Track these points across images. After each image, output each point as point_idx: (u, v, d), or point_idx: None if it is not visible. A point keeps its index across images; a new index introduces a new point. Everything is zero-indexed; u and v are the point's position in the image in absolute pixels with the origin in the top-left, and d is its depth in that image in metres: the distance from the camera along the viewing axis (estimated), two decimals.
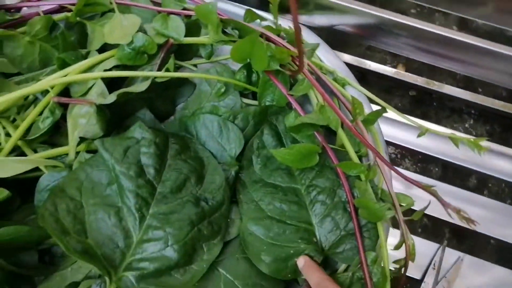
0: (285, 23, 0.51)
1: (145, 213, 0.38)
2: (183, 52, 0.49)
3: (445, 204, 0.33)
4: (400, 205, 0.37)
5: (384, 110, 0.43)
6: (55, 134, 0.43)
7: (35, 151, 0.41)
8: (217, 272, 0.39)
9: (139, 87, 0.40)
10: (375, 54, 0.84)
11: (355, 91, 0.48)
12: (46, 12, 0.45)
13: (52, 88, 0.40)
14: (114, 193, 0.38)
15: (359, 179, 0.40)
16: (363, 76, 0.73)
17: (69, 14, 0.46)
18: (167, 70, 0.43)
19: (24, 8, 0.48)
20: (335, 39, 0.59)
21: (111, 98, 0.38)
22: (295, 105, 0.43)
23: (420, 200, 0.40)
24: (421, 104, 0.77)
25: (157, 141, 0.40)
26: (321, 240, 0.39)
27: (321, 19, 0.57)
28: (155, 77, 0.42)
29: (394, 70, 0.72)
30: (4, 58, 0.43)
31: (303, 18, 0.58)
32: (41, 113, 0.41)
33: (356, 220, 0.38)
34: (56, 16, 0.45)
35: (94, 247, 0.36)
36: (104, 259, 0.36)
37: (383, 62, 0.82)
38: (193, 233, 0.38)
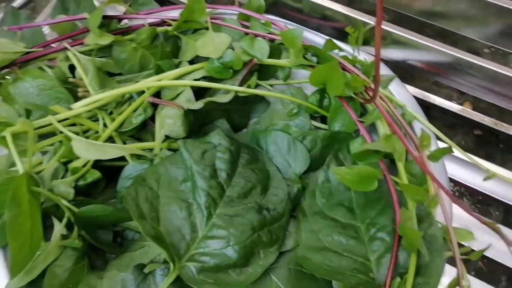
0: (361, 54, 0.54)
1: (213, 212, 0.41)
2: (263, 72, 0.53)
3: (509, 243, 0.33)
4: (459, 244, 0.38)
5: (450, 149, 0.44)
6: (142, 131, 0.49)
7: (124, 143, 0.46)
8: (269, 278, 0.41)
9: (223, 98, 0.44)
10: (441, 90, 0.84)
11: (423, 127, 0.49)
12: (151, 24, 0.51)
13: (147, 89, 0.45)
14: (187, 190, 0.42)
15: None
16: (426, 110, 0.73)
17: (168, 28, 0.52)
18: (249, 86, 0.47)
19: (125, 21, 0.54)
20: (403, 71, 0.60)
21: (199, 105, 0.43)
22: (363, 131, 0.45)
23: (477, 243, 0.39)
24: (486, 144, 0.76)
25: (231, 149, 0.44)
26: (378, 278, 0.40)
27: (394, 53, 0.59)
28: (237, 92, 0.46)
29: (460, 107, 0.72)
30: (110, 60, 0.50)
31: (382, 52, 0.60)
32: (134, 111, 0.46)
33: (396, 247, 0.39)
34: (158, 29, 0.51)
35: (164, 234, 0.40)
36: (171, 247, 0.39)
37: (449, 98, 0.81)
38: (253, 237, 0.41)
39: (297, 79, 0.54)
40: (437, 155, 0.42)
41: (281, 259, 0.42)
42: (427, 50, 0.57)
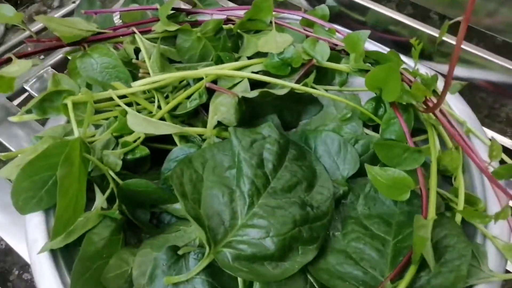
0: (422, 69, 0.52)
1: (255, 201, 0.40)
2: (319, 77, 0.53)
3: None
4: None
5: None
6: (194, 118, 0.49)
7: None
8: (305, 277, 0.39)
9: (279, 91, 0.44)
10: (495, 124, 0.79)
11: (481, 144, 0.46)
12: None
13: (206, 76, 0.45)
14: (231, 177, 0.41)
15: None
16: None
17: (232, 25, 0.53)
18: (305, 84, 0.47)
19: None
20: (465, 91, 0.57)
21: (254, 93, 0.43)
22: (409, 142, 0.43)
23: None
24: None
25: (280, 142, 0.43)
26: None
27: (458, 71, 0.57)
28: (292, 88, 0.45)
29: None
30: (172, 48, 0.51)
31: (442, 67, 0.58)
32: (189, 97, 0.47)
33: None
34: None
35: (204, 217, 0.39)
36: (209, 230, 0.38)
37: (503, 133, 0.77)
38: (294, 232, 0.39)
39: (353, 87, 0.54)
40: (502, 172, 0.39)
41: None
42: (494, 69, 0.55)
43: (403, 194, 0.40)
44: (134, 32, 0.51)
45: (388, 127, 0.47)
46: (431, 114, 0.47)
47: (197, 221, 0.37)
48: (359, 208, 0.43)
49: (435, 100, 0.46)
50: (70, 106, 0.42)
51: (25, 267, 0.57)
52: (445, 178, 0.47)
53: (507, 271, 0.39)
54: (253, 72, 0.47)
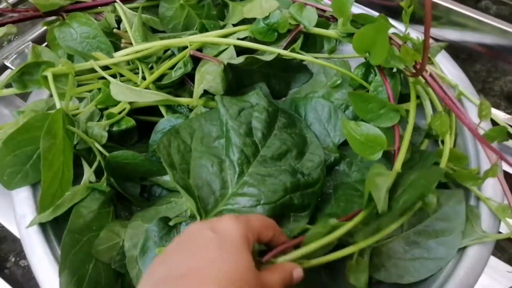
0: (413, 34, 0.51)
1: (245, 170, 0.40)
2: (307, 44, 0.51)
3: None
4: None
5: (505, 130, 0.40)
6: (180, 89, 0.48)
7: None
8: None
9: (266, 57, 0.43)
10: (489, 98, 0.79)
11: (475, 108, 0.46)
12: None
13: (190, 44, 0.44)
14: (220, 147, 0.41)
15: None
16: None
17: None
18: (293, 50, 0.45)
19: None
20: (459, 54, 0.56)
21: (240, 59, 0.42)
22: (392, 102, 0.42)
23: None
24: None
25: (269, 110, 0.42)
26: None
27: (451, 34, 0.56)
28: (279, 54, 0.44)
29: (507, 116, 0.67)
30: (155, 17, 0.50)
31: (433, 31, 0.57)
32: (173, 67, 0.45)
33: None
34: None
35: (193, 187, 0.38)
36: (199, 201, 0.38)
37: (496, 106, 0.77)
38: (285, 199, 0.39)
39: (343, 55, 0.52)
40: (493, 135, 0.39)
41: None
42: (488, 32, 0.54)
43: (375, 153, 0.39)
44: (114, 1, 0.49)
45: (376, 95, 0.46)
46: (421, 78, 0.47)
47: (187, 191, 0.37)
48: (352, 175, 0.42)
49: (431, 67, 0.45)
50: (50, 78, 0.40)
51: (21, 254, 0.56)
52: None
53: (500, 233, 0.40)
54: (238, 39, 0.46)
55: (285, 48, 0.48)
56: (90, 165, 0.41)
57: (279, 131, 0.42)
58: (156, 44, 0.44)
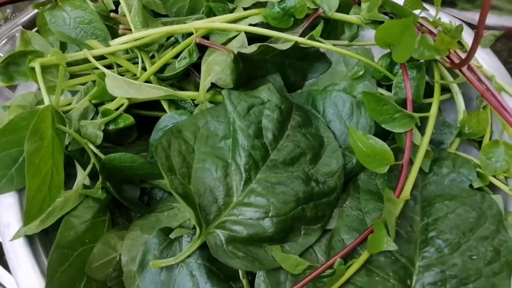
0: (445, 18, 0.45)
1: (252, 176, 0.35)
2: (326, 30, 0.46)
3: None
4: None
5: None
6: (184, 80, 0.43)
7: None
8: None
9: (281, 46, 0.38)
10: None
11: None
12: None
13: (196, 31, 0.39)
14: (226, 148, 0.36)
15: None
16: None
17: None
18: (311, 38, 0.40)
19: None
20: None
21: (252, 48, 0.37)
22: (409, 104, 0.37)
23: None
24: None
25: (282, 108, 0.38)
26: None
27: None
28: (297, 42, 0.39)
29: None
30: (158, 0, 0.45)
31: (467, 15, 0.50)
32: (178, 54, 0.41)
33: None
34: None
35: (194, 194, 0.34)
36: (200, 209, 0.34)
37: None
38: (296, 211, 0.35)
39: (365, 41, 0.47)
40: None
41: (322, 239, 0.36)
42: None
43: (382, 167, 0.35)
44: None
45: (400, 91, 0.41)
46: (444, 75, 0.41)
47: (186, 199, 0.33)
48: (378, 181, 0.38)
49: (461, 55, 0.39)
50: (38, 69, 0.37)
51: None
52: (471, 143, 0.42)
53: None
54: (250, 25, 0.40)
55: (302, 35, 0.43)
56: (84, 168, 0.37)
57: (293, 131, 0.38)
58: (158, 31, 0.39)
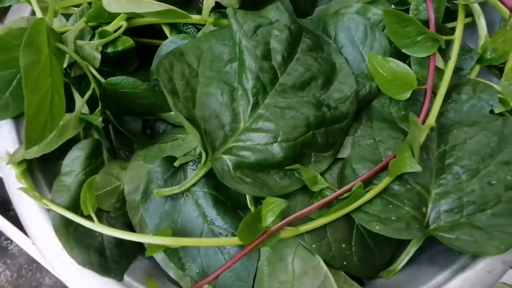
0: None
1: (260, 100, 0.33)
2: None
3: None
4: None
5: None
6: (186, 6, 0.41)
7: None
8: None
9: None
10: None
11: None
12: None
13: None
14: (232, 72, 0.34)
15: None
16: None
17: None
18: None
19: None
20: None
21: None
22: (431, 25, 0.34)
23: None
24: None
25: (291, 28, 0.35)
26: (430, 215, 0.32)
27: None
28: None
29: None
30: None
31: None
32: None
33: None
34: None
35: (199, 118, 0.33)
36: (205, 135, 0.32)
37: None
38: (307, 136, 0.33)
39: None
40: None
41: (333, 168, 0.34)
42: None
43: (404, 93, 0.34)
44: None
45: (418, 13, 0.38)
46: None
47: (191, 122, 0.31)
48: (392, 109, 0.35)
49: None
50: None
51: None
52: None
53: None
54: None
55: None
56: (82, 95, 0.35)
57: (303, 55, 0.35)
58: None
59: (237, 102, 0.33)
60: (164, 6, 0.33)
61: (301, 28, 0.36)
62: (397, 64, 0.34)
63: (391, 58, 0.34)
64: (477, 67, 0.38)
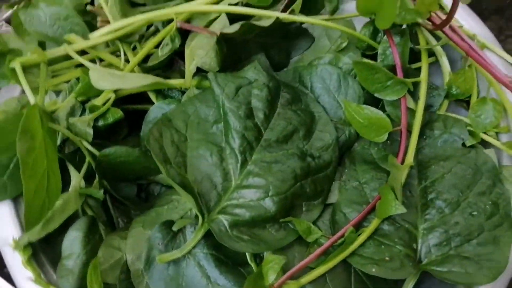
0: None
1: (248, 157, 0.35)
2: (307, 6, 0.45)
3: None
4: None
5: None
6: (168, 70, 0.43)
7: None
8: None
9: (263, 22, 0.37)
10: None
11: (496, 57, 0.40)
12: None
13: (176, 16, 0.38)
14: (219, 132, 0.36)
15: None
16: None
17: None
18: (292, 13, 0.40)
19: None
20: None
21: (235, 27, 0.36)
22: (398, 70, 0.37)
23: None
24: None
25: (270, 86, 0.37)
26: (421, 251, 0.33)
27: None
28: (278, 18, 0.39)
29: None
30: None
31: None
32: (159, 45, 0.40)
33: None
34: None
35: (192, 183, 0.34)
36: (200, 197, 0.34)
37: None
38: (296, 188, 0.35)
39: (345, 14, 0.46)
40: None
41: (324, 214, 0.36)
42: None
43: (380, 136, 0.36)
44: None
45: (385, 58, 0.41)
46: (428, 39, 0.41)
47: (185, 188, 0.33)
48: (372, 151, 0.38)
49: (442, 16, 0.39)
50: (19, 69, 0.36)
51: None
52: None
53: None
54: (230, 5, 0.40)
55: (283, 12, 0.42)
56: (78, 170, 0.37)
57: (283, 109, 0.38)
58: (138, 19, 0.38)
59: (226, 161, 0.35)
60: (150, 79, 0.35)
61: (279, 83, 0.38)
62: (371, 111, 0.36)
63: (365, 106, 0.36)
64: (446, 102, 0.41)
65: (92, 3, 0.43)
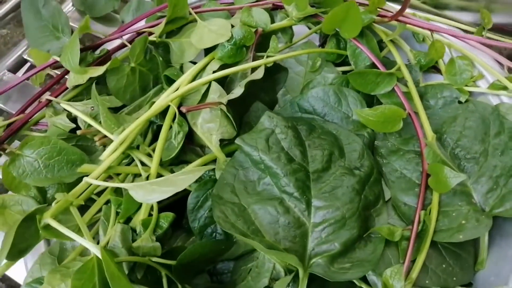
0: None
1: (309, 195, 0.37)
2: (263, 44, 0.48)
3: None
4: None
5: None
6: (180, 155, 0.42)
7: (172, 172, 0.39)
8: None
9: (256, 75, 0.39)
10: None
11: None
12: (129, 41, 0.44)
13: (172, 102, 0.39)
14: (269, 186, 0.37)
15: None
16: None
17: (151, 37, 0.45)
18: (269, 56, 0.42)
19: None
20: None
21: (239, 90, 0.38)
22: (379, 65, 0.42)
23: None
24: None
25: (290, 125, 0.39)
26: (480, 202, 0.37)
27: None
28: (266, 65, 0.41)
29: None
30: (107, 96, 0.43)
31: None
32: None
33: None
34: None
35: (274, 244, 0.35)
36: (288, 252, 0.34)
37: None
38: (362, 201, 0.37)
39: (297, 38, 0.50)
40: None
41: (389, 211, 0.39)
42: None
43: (396, 125, 0.40)
44: (50, 101, 0.41)
45: (358, 58, 0.45)
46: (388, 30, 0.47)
47: (275, 250, 0.33)
48: (391, 139, 0.42)
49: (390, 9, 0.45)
50: (53, 223, 0.33)
51: None
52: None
53: None
54: (214, 72, 0.41)
55: (253, 59, 0.44)
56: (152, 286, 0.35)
57: (309, 140, 0.40)
58: (140, 122, 0.37)
59: (292, 209, 0.36)
60: (192, 174, 0.33)
61: (292, 121, 0.41)
62: (383, 108, 0.40)
63: (376, 106, 0.40)
64: (421, 75, 0.47)
65: (74, 130, 0.41)
